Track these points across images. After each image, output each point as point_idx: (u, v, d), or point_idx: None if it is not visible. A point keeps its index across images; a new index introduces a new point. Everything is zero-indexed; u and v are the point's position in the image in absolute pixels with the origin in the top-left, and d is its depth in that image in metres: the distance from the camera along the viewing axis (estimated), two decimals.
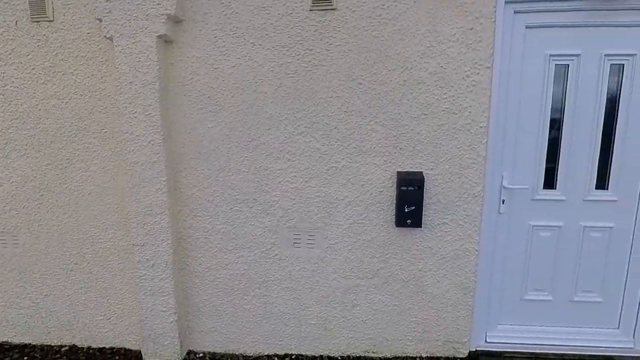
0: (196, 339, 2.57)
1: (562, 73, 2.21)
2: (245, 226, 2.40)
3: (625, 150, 2.23)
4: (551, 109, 2.24)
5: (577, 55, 2.17)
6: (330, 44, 2.17)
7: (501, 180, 2.29)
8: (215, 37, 2.21)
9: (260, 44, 2.20)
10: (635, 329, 2.42)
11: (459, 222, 2.29)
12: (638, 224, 2.31)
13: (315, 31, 2.16)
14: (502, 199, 2.31)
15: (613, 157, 2.25)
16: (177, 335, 2.45)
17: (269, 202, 2.36)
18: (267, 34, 2.19)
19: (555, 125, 2.26)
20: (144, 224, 2.31)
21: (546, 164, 2.30)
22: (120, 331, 2.63)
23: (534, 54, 2.18)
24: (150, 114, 2.20)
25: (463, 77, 2.13)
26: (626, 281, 2.39)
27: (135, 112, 2.20)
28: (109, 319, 2.61)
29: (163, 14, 2.10)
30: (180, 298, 2.48)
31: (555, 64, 2.20)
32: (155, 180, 2.26)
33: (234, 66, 2.23)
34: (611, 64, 2.18)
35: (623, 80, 2.18)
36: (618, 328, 2.45)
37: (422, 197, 2.21)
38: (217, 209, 2.39)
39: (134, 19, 2.11)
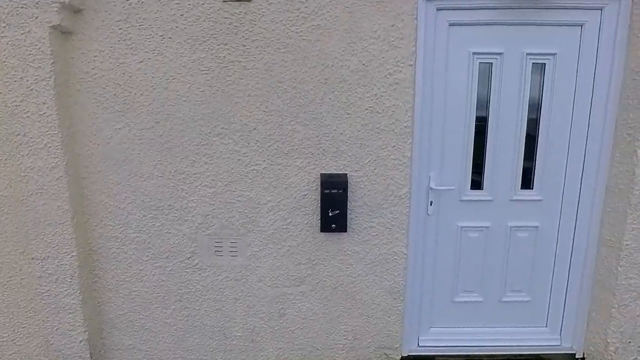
0: (112, 357, 2.37)
1: (486, 72, 2.17)
2: (161, 234, 2.22)
3: (549, 150, 2.23)
4: (477, 108, 2.20)
5: (500, 54, 2.14)
6: (246, 39, 2.02)
7: (428, 181, 2.24)
8: (120, 29, 2.01)
9: (170, 37, 2.02)
10: (561, 327, 2.44)
11: (387, 225, 2.21)
12: (562, 223, 2.31)
13: (229, 24, 2.01)
14: (429, 201, 2.26)
15: (537, 157, 2.25)
16: (88, 356, 2.25)
17: (187, 208, 2.19)
18: (177, 27, 2.01)
19: (481, 124, 2.22)
20: (44, 235, 2.09)
21: (473, 164, 2.26)
22: (29, 353, 2.39)
23: (458, 52, 2.13)
24: (45, 113, 1.97)
25: (385, 75, 2.05)
26: (552, 280, 2.39)
27: (28, 111, 1.97)
28: (14, 340, 2.36)
29: (56, 2, 1.88)
30: (91, 314, 2.27)
31: (479, 63, 2.15)
32: (55, 186, 2.04)
33: (142, 61, 2.04)
34: (533, 63, 2.16)
35: (545, 80, 2.17)
36: (546, 326, 2.46)
37: (347, 200, 2.12)
38: (130, 217, 2.20)
39: (22, 7, 1.88)
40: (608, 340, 2.24)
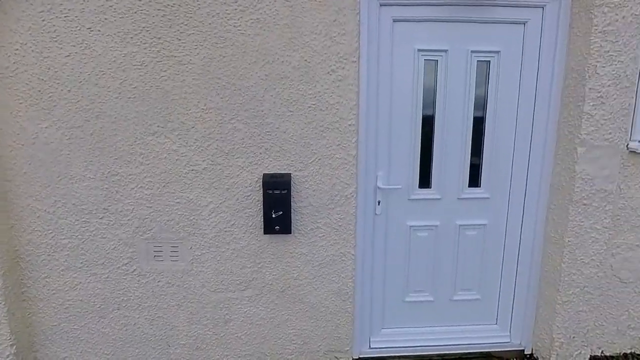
0: None
1: (432, 69, 2.15)
2: (95, 240, 2.09)
3: (495, 148, 2.22)
4: (423, 106, 2.18)
5: (444, 51, 2.11)
6: (181, 32, 1.92)
7: (375, 180, 2.19)
8: (44, 20, 1.87)
9: (99, 30, 1.90)
10: (510, 323, 2.45)
11: (333, 225, 2.16)
12: (510, 221, 2.32)
13: (163, 17, 1.90)
14: (377, 200, 2.22)
15: (484, 154, 2.24)
16: None
17: (122, 211, 2.07)
18: (106, 19, 1.89)
19: (428, 122, 2.20)
20: None
21: (421, 163, 2.23)
22: None
23: (403, 49, 2.10)
24: None
25: (328, 72, 1.99)
26: (501, 277, 2.40)
27: None
28: None
29: None
30: (20, 327, 2.11)
31: (425, 60, 2.12)
32: None
33: (68, 55, 1.91)
34: (478, 61, 2.14)
35: (489, 78, 2.16)
36: (496, 323, 2.47)
37: (290, 200, 2.05)
38: (61, 222, 2.06)
39: None
40: (553, 336, 2.26)
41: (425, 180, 2.25)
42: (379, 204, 2.22)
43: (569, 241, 2.15)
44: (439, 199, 2.26)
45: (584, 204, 2.11)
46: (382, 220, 2.26)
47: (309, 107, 2.02)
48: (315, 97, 2.01)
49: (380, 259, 2.31)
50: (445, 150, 2.20)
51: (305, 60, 1.97)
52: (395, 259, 2.32)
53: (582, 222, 2.14)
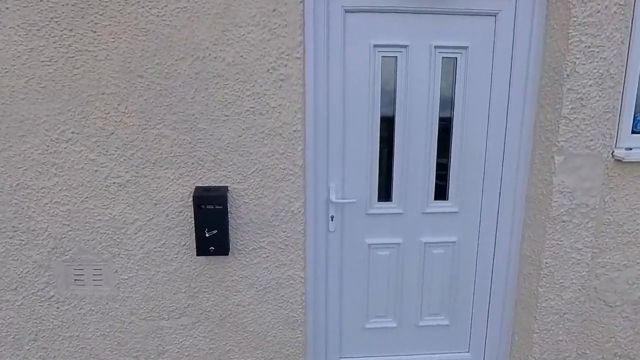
0: None
1: (391, 67, 1.89)
2: (5, 262, 1.83)
3: (464, 155, 1.97)
4: (382, 109, 1.92)
5: (405, 47, 1.85)
6: (96, 24, 1.66)
7: (327, 193, 1.93)
8: None
9: None
10: (484, 351, 2.19)
11: (279, 245, 1.89)
12: (482, 238, 2.06)
13: (74, 6, 1.64)
14: (330, 215, 1.95)
15: (451, 163, 1.98)
16: None
17: (35, 230, 1.80)
18: (7, 8, 1.62)
19: (388, 127, 1.94)
20: None
21: (380, 173, 1.97)
22: None
23: (357, 44, 1.84)
24: None
25: (268, 70, 1.73)
26: (473, 300, 2.14)
27: None
28: None
29: None
30: None
31: (382, 57, 1.86)
32: None
33: None
34: (443, 57, 1.88)
35: (457, 77, 1.90)
36: (468, 351, 2.21)
37: (227, 217, 1.78)
38: None
39: None
40: None
41: (385, 193, 1.99)
42: (332, 220, 1.96)
43: (546, 262, 1.90)
44: (401, 213, 2.00)
45: (563, 221, 1.85)
46: (336, 238, 1.99)
47: (247, 110, 1.76)
48: (253, 98, 1.75)
49: (335, 281, 2.04)
50: (408, 158, 1.94)
51: (241, 56, 1.71)
52: (353, 281, 2.06)
53: (561, 240, 1.88)
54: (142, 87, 1.71)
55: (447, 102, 1.94)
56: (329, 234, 1.98)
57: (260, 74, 1.73)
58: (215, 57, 1.71)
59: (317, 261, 1.98)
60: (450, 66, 1.91)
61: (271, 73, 1.73)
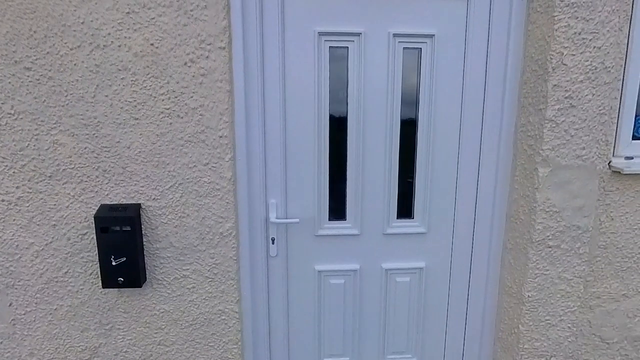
0: None
1: (341, 60, 1.56)
2: None
3: (433, 165, 1.64)
4: (331, 110, 1.59)
5: (357, 35, 1.53)
6: None
7: (266, 211, 1.60)
8: None
9: None
10: None
11: (206, 274, 1.57)
12: (455, 263, 1.73)
13: None
14: (271, 238, 1.63)
15: (417, 174, 1.65)
16: None
17: None
18: None
19: (340, 132, 1.61)
20: None
21: (331, 186, 1.64)
22: None
23: (298, 32, 1.52)
24: None
25: (186, 63, 1.41)
26: (446, 336, 1.81)
27: None
28: None
29: None
30: None
31: (330, 47, 1.54)
32: None
33: None
34: (404, 48, 1.56)
35: (421, 72, 1.58)
36: None
37: (140, 241, 1.46)
38: None
39: None
40: None
41: (337, 210, 1.67)
42: (273, 243, 1.63)
43: (529, 296, 1.57)
44: (357, 234, 1.68)
45: (549, 246, 1.52)
46: (279, 264, 1.67)
47: (161, 112, 1.44)
48: (169, 98, 1.43)
49: (280, 316, 1.72)
50: (364, 168, 1.62)
51: (152, 44, 1.39)
52: (302, 315, 1.74)
53: (547, 269, 1.55)
54: (30, 81, 1.40)
55: (411, 103, 1.61)
56: (271, 259, 1.66)
57: (175, 68, 1.41)
58: (119, 46, 1.39)
59: (255, 292, 1.66)
60: (413, 59, 1.58)
61: (189, 66, 1.42)
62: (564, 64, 1.40)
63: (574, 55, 1.40)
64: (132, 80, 1.41)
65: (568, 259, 1.55)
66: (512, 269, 1.64)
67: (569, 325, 1.62)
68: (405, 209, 1.69)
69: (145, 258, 1.54)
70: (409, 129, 1.63)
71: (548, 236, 1.52)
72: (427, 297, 1.77)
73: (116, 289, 1.56)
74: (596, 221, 1.60)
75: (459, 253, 1.72)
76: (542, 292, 1.57)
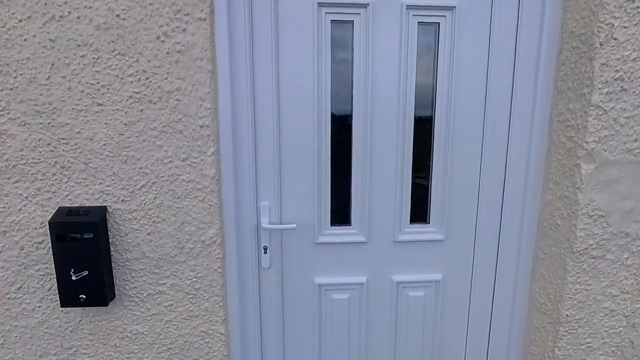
0: None
1: (345, 36, 1.32)
2: None
3: (452, 163, 1.40)
4: (334, 96, 1.35)
5: (364, 6, 1.29)
6: None
7: (257, 215, 1.36)
8: None
9: None
10: None
11: (186, 289, 1.33)
12: (477, 275, 1.49)
13: None
14: (263, 246, 1.39)
15: (433, 174, 1.41)
16: None
17: None
18: None
19: (344, 124, 1.37)
20: None
21: (333, 187, 1.40)
22: None
23: (295, 3, 1.27)
24: None
25: (158, 37, 1.17)
26: (465, 357, 1.56)
27: None
28: None
29: None
30: None
31: (332, 21, 1.30)
32: None
33: None
34: (419, 23, 1.32)
35: (439, 51, 1.34)
36: None
37: (105, 250, 1.22)
38: None
39: None
40: None
41: (341, 213, 1.43)
42: (265, 252, 1.39)
43: (567, 315, 1.32)
44: (363, 242, 1.44)
45: (593, 257, 1.28)
46: (273, 276, 1.43)
47: (130, 97, 1.20)
48: (139, 80, 1.19)
49: (273, 336, 1.48)
50: (372, 163, 1.38)
51: (117, 15, 1.15)
52: (300, 335, 1.49)
53: (590, 284, 1.31)
54: None
55: (426, 89, 1.37)
56: (263, 272, 1.42)
57: (146, 43, 1.17)
58: (78, 17, 1.15)
59: (245, 310, 1.42)
60: (430, 36, 1.34)
61: (162, 42, 1.18)
62: (615, 39, 1.15)
63: (626, 27, 1.15)
64: (94, 59, 1.17)
65: (614, 272, 1.31)
66: (546, 282, 1.39)
67: (613, 348, 1.38)
68: (419, 213, 1.45)
69: (114, 271, 1.30)
70: (424, 120, 1.39)
71: (591, 245, 1.28)
72: (445, 315, 1.53)
73: (79, 308, 1.32)
74: None
75: (482, 263, 1.48)
76: (582, 310, 1.33)
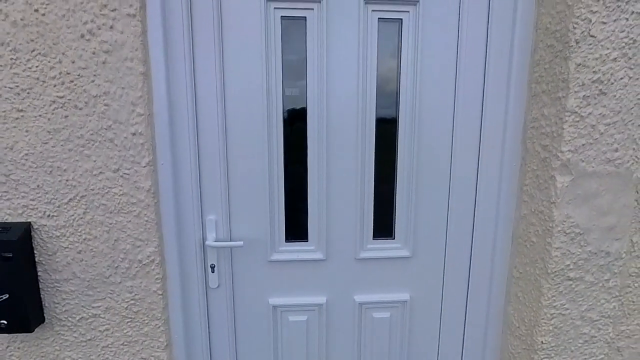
0: None
1: (298, 35, 1.20)
2: None
3: (418, 172, 1.28)
4: (286, 100, 1.22)
5: (317, 1, 1.16)
6: None
7: (202, 231, 1.24)
8: None
9: None
10: None
11: (122, 312, 1.21)
12: (447, 295, 1.37)
13: None
14: (210, 265, 1.26)
15: (399, 183, 1.28)
16: None
17: None
18: None
19: (298, 130, 1.25)
20: None
21: (289, 199, 1.28)
22: None
23: None
24: None
25: (83, 35, 1.05)
26: None
27: None
28: None
29: None
30: None
31: (283, 17, 1.17)
32: None
33: None
34: (380, 19, 1.19)
35: (402, 51, 1.21)
36: None
37: (33, 272, 1.11)
38: None
39: None
40: None
41: (297, 228, 1.31)
42: (213, 271, 1.27)
43: (542, 342, 1.20)
44: (322, 259, 1.31)
45: (569, 279, 1.15)
46: (222, 297, 1.30)
47: (53, 102, 1.08)
48: (62, 83, 1.07)
49: None
50: (330, 174, 1.26)
51: (36, 10, 1.03)
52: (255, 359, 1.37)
53: (567, 308, 1.18)
54: None
55: (390, 91, 1.25)
56: (211, 292, 1.30)
57: (69, 42, 1.05)
58: None
59: (191, 335, 1.29)
60: (392, 33, 1.22)
61: (87, 40, 1.05)
62: (592, 36, 1.03)
63: (605, 23, 1.03)
64: (11, 59, 1.05)
65: (594, 295, 1.19)
66: (520, 304, 1.27)
67: None
68: (383, 227, 1.33)
69: (42, 293, 1.18)
70: (387, 125, 1.27)
71: (568, 265, 1.15)
72: (413, 338, 1.40)
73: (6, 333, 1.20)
74: (628, 245, 1.23)
75: (453, 282, 1.36)
76: (559, 337, 1.20)
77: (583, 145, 1.09)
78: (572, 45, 1.04)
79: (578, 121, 1.07)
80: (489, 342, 1.37)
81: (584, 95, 1.06)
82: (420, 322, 1.39)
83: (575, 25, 1.03)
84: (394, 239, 1.34)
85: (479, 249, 1.32)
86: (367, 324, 1.38)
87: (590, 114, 1.07)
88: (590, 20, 1.02)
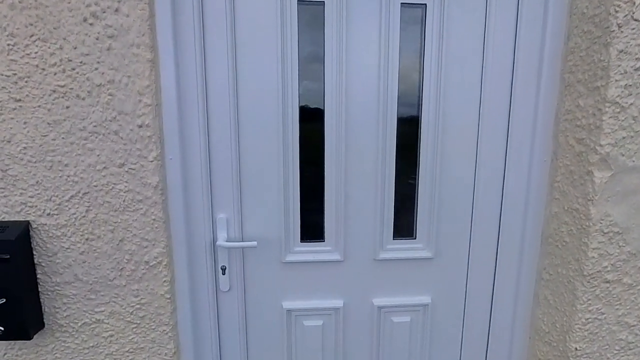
0: None
1: (315, 22, 1.12)
2: None
3: (441, 170, 1.20)
4: (303, 93, 1.15)
5: None
6: None
7: (213, 231, 1.16)
8: None
9: None
10: None
11: (128, 317, 1.13)
12: (470, 298, 1.30)
13: None
14: (221, 267, 1.19)
15: (420, 183, 1.21)
16: None
17: None
18: None
19: (315, 121, 1.17)
20: None
21: (303, 197, 1.20)
22: None
23: None
24: None
25: (86, 19, 0.98)
26: None
27: None
28: None
29: None
30: None
31: (300, 3, 1.10)
32: None
33: None
34: (403, 4, 1.12)
35: (426, 40, 1.13)
36: None
37: (32, 274, 1.03)
38: None
39: None
40: None
41: (313, 228, 1.23)
42: (223, 273, 1.19)
43: (577, 349, 1.12)
44: (339, 260, 1.24)
45: (607, 281, 1.08)
46: (234, 301, 1.23)
47: (54, 91, 1.00)
48: (63, 71, 0.99)
49: None
50: (349, 171, 1.18)
51: None
52: None
53: (603, 312, 1.11)
54: None
55: (411, 86, 1.17)
56: (222, 295, 1.22)
57: (71, 27, 0.98)
58: None
59: (201, 341, 1.22)
60: (415, 21, 1.14)
61: (91, 24, 0.98)
62: (636, 20, 0.95)
63: None
64: (9, 45, 0.97)
65: (632, 298, 1.11)
66: (551, 308, 1.19)
67: None
68: (404, 227, 1.25)
69: (42, 297, 1.11)
70: (410, 120, 1.19)
71: (606, 267, 1.07)
72: (434, 343, 1.33)
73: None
74: None
75: (477, 285, 1.28)
76: (594, 343, 1.13)
77: (624, 138, 1.01)
78: (613, 30, 0.96)
79: (619, 112, 1.00)
80: (515, 348, 1.29)
81: (625, 85, 0.99)
82: (442, 326, 1.32)
83: (618, 9, 0.96)
84: (415, 239, 1.26)
85: (506, 249, 1.25)
86: (386, 328, 1.30)
87: (632, 104, 1.00)
88: (634, 3, 0.95)
